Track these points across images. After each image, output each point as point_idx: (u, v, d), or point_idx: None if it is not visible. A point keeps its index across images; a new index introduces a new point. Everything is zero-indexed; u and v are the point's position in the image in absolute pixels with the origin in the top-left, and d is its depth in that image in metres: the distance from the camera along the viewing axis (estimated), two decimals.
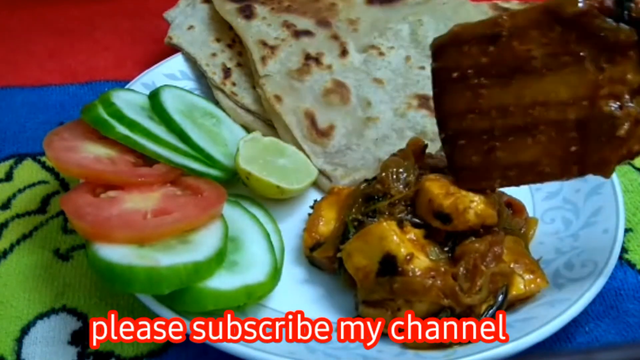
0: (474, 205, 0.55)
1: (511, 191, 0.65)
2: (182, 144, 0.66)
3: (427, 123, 0.73)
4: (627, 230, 0.67)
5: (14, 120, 0.81)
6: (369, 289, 0.55)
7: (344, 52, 0.79)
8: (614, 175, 0.66)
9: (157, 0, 0.94)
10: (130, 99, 0.69)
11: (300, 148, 0.71)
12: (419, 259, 0.54)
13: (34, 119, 0.81)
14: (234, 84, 0.78)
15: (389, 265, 0.53)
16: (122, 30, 0.96)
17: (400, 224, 0.56)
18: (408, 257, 0.53)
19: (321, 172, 0.70)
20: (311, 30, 0.80)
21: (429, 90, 0.76)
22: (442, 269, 0.54)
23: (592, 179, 0.67)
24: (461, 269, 0.54)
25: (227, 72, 0.79)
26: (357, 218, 0.59)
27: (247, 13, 0.80)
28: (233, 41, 0.82)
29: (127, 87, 0.75)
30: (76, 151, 0.61)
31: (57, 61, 0.91)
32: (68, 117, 0.80)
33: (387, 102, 0.75)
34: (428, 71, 0.77)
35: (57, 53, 0.93)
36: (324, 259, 0.60)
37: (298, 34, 0.80)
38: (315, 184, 0.70)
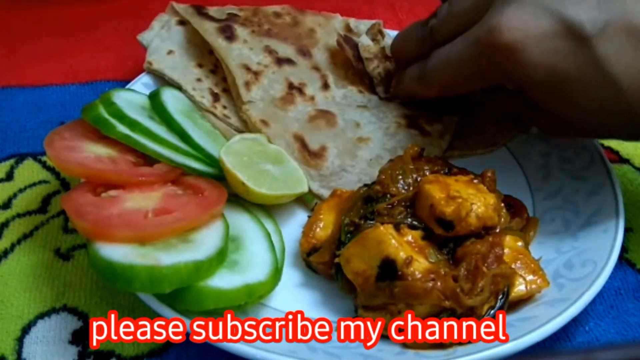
0: (475, 208, 0.55)
1: (511, 191, 0.66)
2: (183, 143, 0.66)
3: (418, 142, 0.71)
4: (627, 230, 0.67)
5: (15, 119, 0.81)
6: (369, 294, 0.54)
7: (325, 85, 0.77)
8: (614, 175, 0.66)
9: (158, 0, 0.94)
10: (130, 99, 0.69)
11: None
12: (418, 261, 0.54)
13: (35, 119, 0.81)
14: (224, 107, 0.75)
15: (389, 269, 0.53)
16: (123, 30, 0.96)
17: (397, 226, 0.56)
18: (407, 261, 0.53)
19: (318, 197, 0.68)
20: (292, 59, 0.79)
21: (415, 110, 0.75)
22: (442, 271, 0.54)
23: (592, 179, 0.67)
24: (462, 270, 0.54)
25: (215, 96, 0.76)
26: (353, 221, 0.58)
27: (228, 34, 0.78)
28: (215, 67, 0.79)
29: (127, 87, 0.76)
30: (77, 151, 0.61)
31: (58, 61, 0.91)
32: (69, 116, 0.80)
33: (375, 122, 0.74)
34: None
35: (58, 53, 0.93)
36: (320, 264, 0.60)
37: (280, 61, 0.78)
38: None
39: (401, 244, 0.54)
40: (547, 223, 0.65)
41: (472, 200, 0.55)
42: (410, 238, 0.56)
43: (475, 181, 0.59)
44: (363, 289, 0.55)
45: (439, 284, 0.52)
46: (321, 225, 0.62)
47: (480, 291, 0.53)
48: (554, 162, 0.71)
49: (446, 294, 0.52)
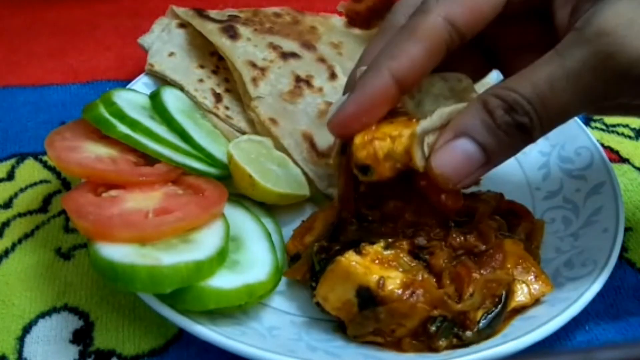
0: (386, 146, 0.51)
1: (511, 191, 0.66)
2: (184, 143, 0.66)
3: None
4: (627, 229, 0.67)
5: (16, 119, 0.81)
6: (357, 324, 0.53)
7: (332, 75, 0.77)
8: (614, 175, 0.66)
9: (158, 0, 0.94)
10: (131, 99, 0.69)
11: (302, 171, 0.69)
12: (391, 277, 0.52)
13: (36, 119, 0.81)
14: (227, 108, 0.75)
15: (366, 297, 0.52)
16: (124, 30, 0.97)
17: (358, 249, 0.54)
18: (380, 283, 0.52)
19: (327, 196, 0.68)
20: (297, 53, 0.79)
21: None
22: (419, 277, 0.53)
23: (592, 179, 0.67)
24: (446, 276, 0.53)
25: (218, 96, 0.76)
26: (322, 246, 0.57)
27: (232, 33, 0.78)
28: (217, 67, 0.79)
29: (128, 86, 0.76)
30: (78, 151, 0.61)
31: (59, 61, 0.91)
32: (69, 116, 0.80)
33: None
34: None
35: (59, 53, 0.93)
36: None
37: (285, 55, 0.78)
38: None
39: (367, 268, 0.52)
40: (547, 223, 0.65)
41: (393, 137, 0.51)
42: (374, 255, 0.54)
43: (414, 120, 0.52)
44: (350, 321, 0.54)
45: (421, 295, 0.51)
46: (311, 231, 0.61)
47: (470, 296, 0.53)
48: (554, 161, 0.71)
49: (432, 304, 0.52)
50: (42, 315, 0.60)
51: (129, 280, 0.51)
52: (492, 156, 0.49)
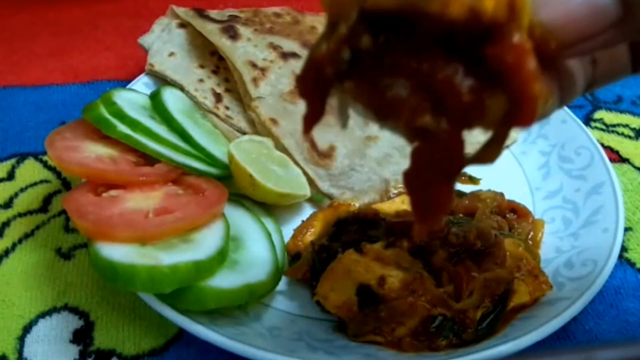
0: None
1: (511, 190, 0.66)
2: (184, 143, 0.66)
3: None
4: (626, 229, 0.67)
5: (16, 119, 0.81)
6: (358, 322, 0.54)
7: None
8: (614, 175, 0.66)
9: (158, 0, 0.94)
10: (131, 99, 0.69)
11: (303, 172, 0.69)
12: (391, 275, 0.53)
13: (36, 119, 0.81)
14: (227, 108, 0.75)
15: (367, 294, 0.53)
16: (124, 30, 0.97)
17: (358, 248, 0.55)
18: (380, 281, 0.52)
19: (328, 196, 0.69)
20: (297, 53, 0.79)
21: None
22: (419, 274, 0.53)
23: (592, 179, 0.67)
24: (445, 276, 0.53)
25: (218, 96, 0.76)
26: (323, 245, 0.58)
27: (232, 33, 0.78)
28: (217, 67, 0.80)
29: (128, 86, 0.76)
30: (78, 150, 0.61)
31: (59, 61, 0.91)
32: (70, 116, 0.80)
33: None
34: None
35: (59, 53, 0.93)
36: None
37: (285, 55, 0.78)
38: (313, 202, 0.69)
39: (368, 266, 0.53)
40: (547, 222, 0.65)
41: None
42: (375, 255, 0.54)
43: None
44: (351, 320, 0.54)
45: (421, 294, 0.52)
46: (312, 231, 0.62)
47: (470, 295, 0.53)
48: (554, 161, 0.72)
49: (433, 302, 0.52)
50: (43, 315, 0.60)
51: (129, 280, 0.51)
52: (632, 10, 0.31)
